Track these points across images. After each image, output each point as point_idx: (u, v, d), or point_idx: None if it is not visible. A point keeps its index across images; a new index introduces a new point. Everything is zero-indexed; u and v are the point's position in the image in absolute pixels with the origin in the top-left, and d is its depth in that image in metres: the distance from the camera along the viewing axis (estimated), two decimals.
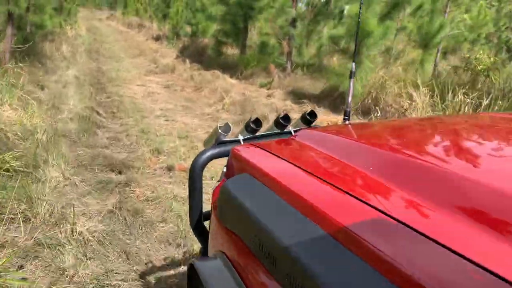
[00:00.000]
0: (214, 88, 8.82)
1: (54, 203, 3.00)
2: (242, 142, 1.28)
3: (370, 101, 5.76)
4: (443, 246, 0.65)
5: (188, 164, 4.25)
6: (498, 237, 0.64)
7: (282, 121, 1.30)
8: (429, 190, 0.81)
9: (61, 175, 3.55)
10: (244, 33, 10.90)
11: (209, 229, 1.28)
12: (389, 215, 0.75)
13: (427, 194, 0.80)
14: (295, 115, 6.63)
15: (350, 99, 1.55)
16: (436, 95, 5.12)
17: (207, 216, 1.40)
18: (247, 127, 1.27)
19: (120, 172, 4.04)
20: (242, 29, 10.82)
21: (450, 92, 5.10)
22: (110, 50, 16.21)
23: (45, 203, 2.90)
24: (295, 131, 1.34)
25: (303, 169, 1.03)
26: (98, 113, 6.36)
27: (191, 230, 1.39)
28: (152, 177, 3.96)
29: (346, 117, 1.54)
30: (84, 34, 18.70)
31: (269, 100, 7.16)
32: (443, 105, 5.12)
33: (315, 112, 1.39)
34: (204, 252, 1.39)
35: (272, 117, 5.94)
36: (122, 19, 28.86)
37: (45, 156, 3.69)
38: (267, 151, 1.17)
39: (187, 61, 12.42)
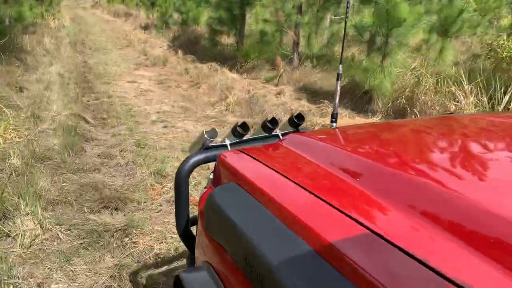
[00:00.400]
0: (213, 83, 7.86)
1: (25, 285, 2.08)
2: (229, 147, 1.20)
3: (404, 101, 4.88)
4: (425, 263, 0.64)
5: (199, 192, 3.36)
6: (480, 255, 0.63)
7: (270, 124, 1.23)
8: (418, 205, 0.79)
9: (38, 225, 2.62)
10: (241, 20, 9.88)
11: (196, 236, 1.24)
12: (373, 231, 0.75)
13: (415, 210, 0.78)
14: (315, 118, 5.73)
15: (337, 101, 1.45)
16: (484, 93, 4.26)
17: (195, 221, 1.34)
18: (234, 132, 1.20)
19: (116, 209, 3.13)
20: (239, 16, 9.80)
21: (500, 90, 4.25)
22: (97, 41, 15.05)
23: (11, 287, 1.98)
24: (282, 135, 1.29)
25: (289, 179, 1.01)
26: (85, 120, 5.39)
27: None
28: (158, 216, 3.05)
29: (334, 120, 1.45)
30: (68, 25, 17.44)
31: (279, 99, 6.23)
32: (492, 105, 4.28)
33: (303, 114, 1.30)
34: (191, 259, 1.30)
35: (286, 120, 5.04)
36: (108, 7, 27.42)
37: (15, 200, 2.75)
38: (254, 158, 1.14)
39: (180, 52, 11.37)
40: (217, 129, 1.17)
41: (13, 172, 3.33)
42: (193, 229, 1.33)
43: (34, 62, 9.00)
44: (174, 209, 1.31)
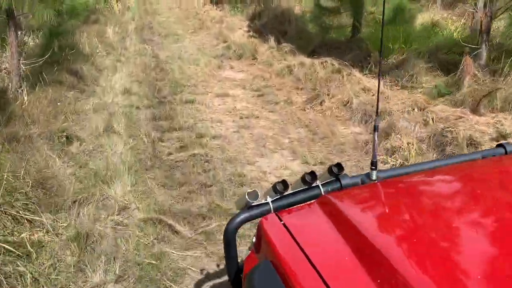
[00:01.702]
0: (343, 97, 4.94)
1: None
2: (271, 205, 1.10)
3: None
4: None
5: None
6: None
7: (309, 179, 1.11)
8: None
9: None
10: None
11: None
12: None
13: None
14: None
15: (376, 150, 1.17)
16: None
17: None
18: (274, 189, 1.11)
19: None
20: None
21: None
22: (165, 24, 12.40)
23: None
24: (323, 185, 1.14)
25: (322, 260, 0.90)
26: (172, 229, 2.76)
27: None
28: None
29: (374, 167, 1.17)
30: (134, 5, 14.91)
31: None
32: None
33: (342, 164, 1.15)
34: None
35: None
36: None
37: None
38: (288, 230, 1.02)
39: (271, 38, 8.41)
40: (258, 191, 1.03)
41: None
42: None
43: (93, 72, 6.49)
44: (225, 265, 1.21)
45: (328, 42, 7.24)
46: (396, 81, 5.05)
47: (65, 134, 3.99)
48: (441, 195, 1.04)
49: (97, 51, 7.54)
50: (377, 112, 1.31)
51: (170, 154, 3.94)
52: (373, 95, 4.68)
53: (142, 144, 4.07)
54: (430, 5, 8.91)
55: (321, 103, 5.06)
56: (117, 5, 12.99)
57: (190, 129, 4.53)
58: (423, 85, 4.76)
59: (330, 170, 1.17)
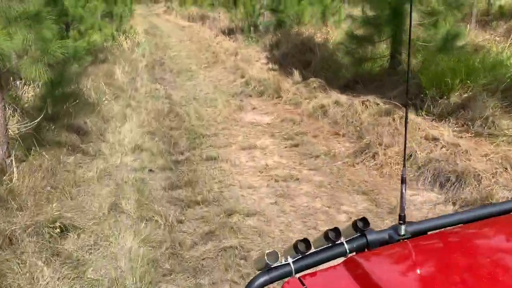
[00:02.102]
0: (403, 148, 3.96)
1: None
2: (292, 266, 0.96)
3: None
4: None
5: None
6: None
7: (332, 236, 1.00)
8: None
9: None
10: (397, 17, 5.76)
11: None
12: None
13: None
14: None
15: (404, 203, 1.04)
16: None
17: None
18: (295, 248, 0.98)
19: None
20: (395, 12, 5.70)
21: None
22: (177, 59, 11.65)
23: None
24: (347, 242, 1.02)
25: None
26: None
27: None
28: None
29: (401, 222, 1.02)
30: (143, 40, 14.26)
31: None
32: None
33: (367, 219, 1.01)
34: None
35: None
36: (180, 11, 24.20)
37: None
38: None
39: (294, 71, 7.50)
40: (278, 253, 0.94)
41: None
42: None
43: (100, 123, 5.63)
44: None
45: (362, 75, 6.29)
46: (465, 126, 4.03)
47: (58, 224, 3.04)
48: (485, 254, 0.90)
49: (104, 98, 6.69)
50: (404, 163, 1.16)
51: (193, 246, 2.95)
52: (443, 146, 3.66)
53: (157, 231, 3.10)
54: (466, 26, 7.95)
55: (373, 157, 4.06)
56: (126, 42, 12.30)
57: (216, 202, 3.56)
58: (505, 131, 3.73)
59: (354, 225, 1.03)
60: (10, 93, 5.23)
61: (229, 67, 9.83)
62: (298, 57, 8.68)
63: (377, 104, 5.01)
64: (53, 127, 4.89)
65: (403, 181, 1.12)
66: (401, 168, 3.44)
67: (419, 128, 4.11)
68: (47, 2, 7.23)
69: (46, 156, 4.15)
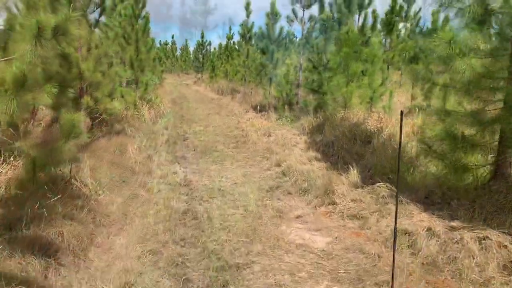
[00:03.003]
0: None
1: None
2: None
3: None
4: None
5: None
6: None
7: None
8: None
9: None
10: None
11: None
12: None
13: None
14: None
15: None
16: None
17: None
18: None
19: None
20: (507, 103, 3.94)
21: None
22: (202, 135, 10.08)
23: None
24: None
25: None
26: None
27: None
28: None
29: None
30: (169, 111, 12.94)
31: None
32: None
33: None
34: None
35: None
36: (210, 83, 23.44)
37: None
38: None
39: (351, 168, 5.71)
40: None
41: None
42: None
43: (83, 234, 3.81)
44: None
45: (449, 186, 4.43)
46: None
47: None
48: None
49: (102, 189, 4.95)
50: (395, 225, 0.96)
51: None
52: None
53: None
54: None
55: None
56: (149, 112, 10.95)
57: None
58: None
59: None
60: None
61: (261, 150, 8.16)
62: (347, 148, 6.96)
63: (505, 247, 3.09)
64: (8, 239, 3.12)
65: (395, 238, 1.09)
66: None
67: None
68: (60, 64, 5.89)
69: None
